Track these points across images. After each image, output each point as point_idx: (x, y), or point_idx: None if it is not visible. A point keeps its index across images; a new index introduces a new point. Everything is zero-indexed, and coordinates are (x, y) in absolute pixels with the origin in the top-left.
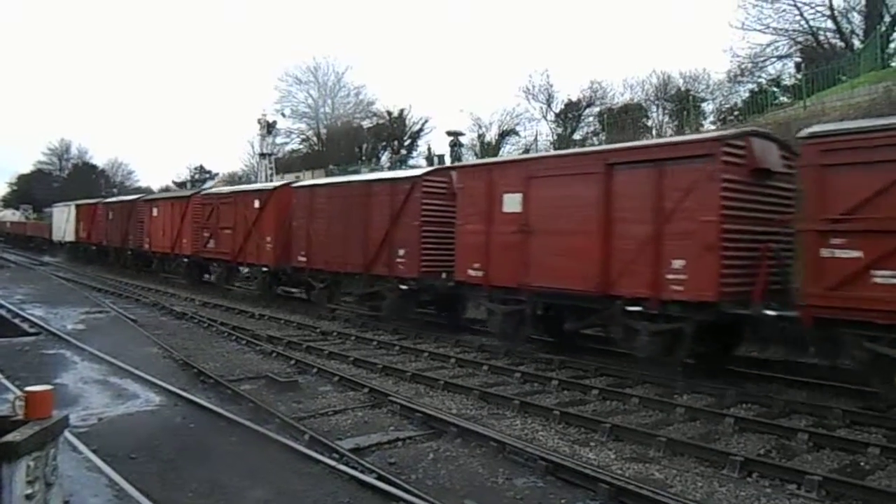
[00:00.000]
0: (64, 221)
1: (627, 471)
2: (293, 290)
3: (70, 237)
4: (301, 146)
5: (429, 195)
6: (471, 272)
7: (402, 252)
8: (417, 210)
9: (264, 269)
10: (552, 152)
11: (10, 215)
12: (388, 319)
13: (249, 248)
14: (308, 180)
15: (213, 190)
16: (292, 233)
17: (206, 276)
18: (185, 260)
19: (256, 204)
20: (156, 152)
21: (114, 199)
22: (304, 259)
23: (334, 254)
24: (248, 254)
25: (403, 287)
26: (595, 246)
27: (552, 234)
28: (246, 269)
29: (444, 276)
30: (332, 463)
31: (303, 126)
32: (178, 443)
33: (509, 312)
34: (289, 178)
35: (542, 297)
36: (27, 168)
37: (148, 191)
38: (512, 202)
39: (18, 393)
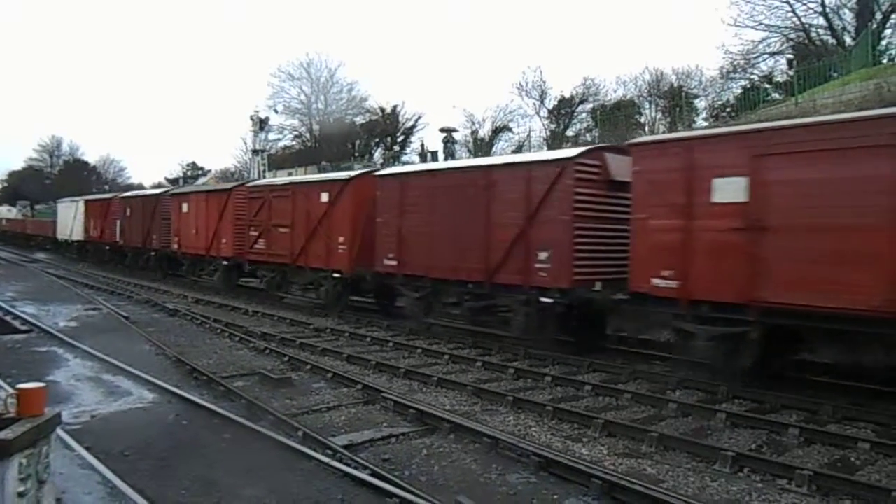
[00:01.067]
0: (71, 218)
1: (620, 466)
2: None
3: (78, 236)
4: (294, 142)
5: (582, 182)
6: (657, 282)
7: (543, 256)
8: (569, 202)
9: (336, 274)
10: (796, 120)
11: (6, 212)
12: (525, 342)
13: (314, 250)
14: (395, 167)
15: (265, 181)
16: (376, 231)
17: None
18: (225, 263)
19: (325, 197)
20: (147, 148)
21: (133, 192)
22: (393, 263)
23: (438, 257)
24: (312, 256)
25: (545, 300)
26: (886, 248)
27: (803, 232)
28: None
29: (598, 286)
30: (326, 459)
31: (295, 122)
32: (172, 440)
33: (721, 336)
34: (281, 174)
35: (780, 317)
36: (18, 165)
37: (140, 187)
38: (729, 189)
39: (10, 390)
